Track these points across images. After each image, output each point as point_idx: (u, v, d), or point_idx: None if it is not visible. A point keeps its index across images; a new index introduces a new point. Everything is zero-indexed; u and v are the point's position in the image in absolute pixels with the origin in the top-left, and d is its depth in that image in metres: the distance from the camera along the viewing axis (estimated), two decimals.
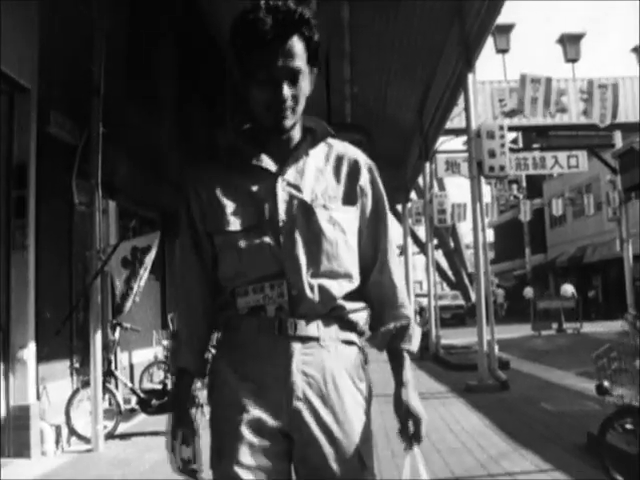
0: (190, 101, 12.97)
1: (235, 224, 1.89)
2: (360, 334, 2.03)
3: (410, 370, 2.02)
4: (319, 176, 1.95)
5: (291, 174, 1.93)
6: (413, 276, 25.70)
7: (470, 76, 11.38)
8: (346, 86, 14.87)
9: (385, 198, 2.03)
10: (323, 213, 1.89)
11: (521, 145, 34.30)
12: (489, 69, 32.69)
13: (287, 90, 1.85)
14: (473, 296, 43.51)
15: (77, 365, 8.06)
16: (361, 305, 2.02)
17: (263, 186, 1.91)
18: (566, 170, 24.81)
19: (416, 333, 2.04)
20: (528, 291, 32.05)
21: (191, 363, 1.99)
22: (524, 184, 43.04)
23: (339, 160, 2.00)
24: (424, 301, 22.62)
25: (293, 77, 1.86)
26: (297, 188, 1.91)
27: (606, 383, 5.03)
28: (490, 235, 57.47)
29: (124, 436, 7.74)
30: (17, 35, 6.74)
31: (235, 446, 1.83)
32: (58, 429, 7.29)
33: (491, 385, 10.77)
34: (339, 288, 1.91)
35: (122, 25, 9.27)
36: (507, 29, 25.07)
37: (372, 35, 12.49)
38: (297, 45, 1.85)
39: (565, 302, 25.19)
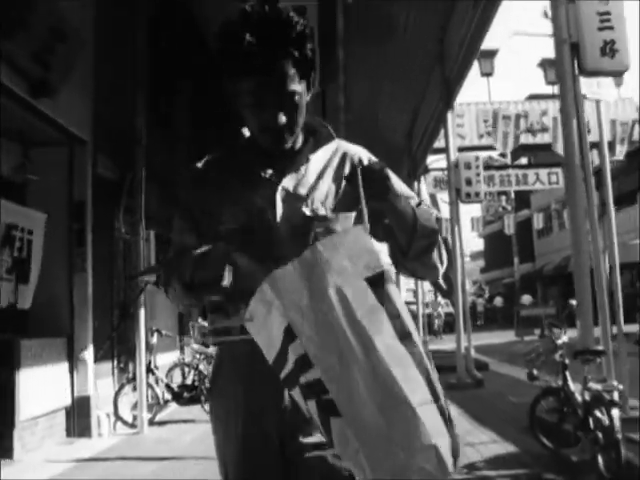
0: (204, 128, 14.52)
1: (231, 231, 1.81)
2: None
3: None
4: (320, 183, 1.85)
5: (291, 182, 1.84)
6: (405, 284, 27.45)
7: (449, 114, 13.12)
8: (340, 113, 16.52)
9: (396, 183, 1.81)
10: (321, 224, 1.80)
11: (509, 160, 36.02)
12: (475, 90, 34.39)
13: (282, 116, 1.76)
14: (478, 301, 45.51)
15: (122, 365, 9.75)
16: None
17: (262, 194, 1.82)
18: (547, 186, 26.45)
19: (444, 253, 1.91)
20: (526, 298, 33.67)
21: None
22: (512, 196, 44.80)
23: (342, 161, 1.92)
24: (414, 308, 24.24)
25: (288, 101, 1.76)
26: (297, 197, 1.82)
27: (535, 372, 6.76)
28: (480, 244, 59.33)
29: (161, 423, 9.44)
30: (77, 99, 8.40)
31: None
32: (108, 416, 8.97)
33: (468, 383, 12.48)
34: None
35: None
36: (491, 54, 26.78)
37: (365, 70, 14.02)
38: (289, 66, 1.72)
39: (547, 309, 26.89)
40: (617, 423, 5.19)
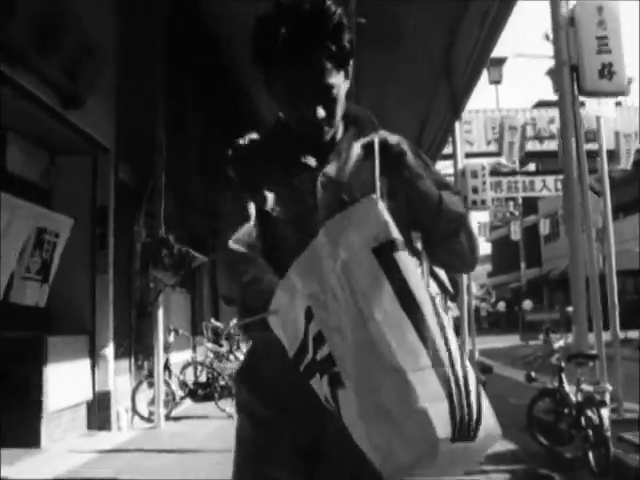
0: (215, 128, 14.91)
1: (273, 213, 1.82)
2: None
3: None
4: (360, 171, 1.73)
5: (332, 169, 1.82)
6: None
7: (457, 124, 13.52)
8: None
9: (417, 164, 1.75)
10: None
11: (517, 166, 36.38)
12: (483, 97, 34.76)
13: (320, 110, 1.75)
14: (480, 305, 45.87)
15: (139, 363, 10.17)
16: None
17: (304, 180, 1.82)
18: (553, 193, 26.78)
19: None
20: (527, 304, 34.04)
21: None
22: (520, 201, 45.15)
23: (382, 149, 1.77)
24: None
25: (325, 95, 1.74)
26: (338, 184, 1.78)
27: (533, 374, 7.16)
28: (487, 249, 59.64)
29: (177, 418, 9.87)
30: (101, 109, 8.81)
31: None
32: (126, 411, 9.39)
33: None
34: None
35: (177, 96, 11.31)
36: (499, 62, 27.11)
37: (374, 80, 14.49)
38: (325, 59, 1.70)
39: (552, 314, 27.27)
40: (606, 422, 5.59)
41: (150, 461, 7.14)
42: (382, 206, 1.54)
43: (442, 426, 1.35)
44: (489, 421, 1.43)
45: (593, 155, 21.95)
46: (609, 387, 6.29)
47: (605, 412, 5.65)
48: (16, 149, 8.18)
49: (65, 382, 8.09)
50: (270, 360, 1.77)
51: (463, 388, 1.39)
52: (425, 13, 11.13)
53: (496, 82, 28.15)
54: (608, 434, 5.54)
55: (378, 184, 1.62)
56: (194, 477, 6.20)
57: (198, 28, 10.68)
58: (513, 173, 29.31)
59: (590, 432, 5.68)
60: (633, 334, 23.84)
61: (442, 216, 1.74)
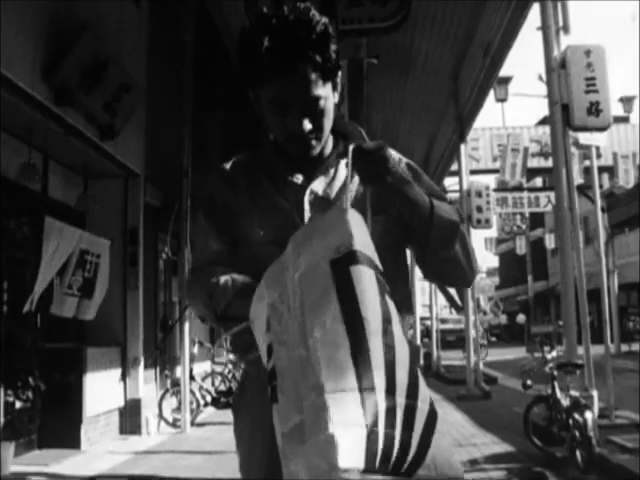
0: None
1: (259, 236, 1.76)
2: None
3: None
4: (350, 187, 1.67)
5: (320, 185, 1.78)
6: (421, 300, 28.49)
7: (462, 146, 14.27)
8: None
9: (401, 169, 1.73)
10: None
11: (524, 181, 37.01)
12: (490, 115, 35.37)
13: (307, 123, 1.68)
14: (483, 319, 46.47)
15: (166, 373, 10.92)
16: None
17: (290, 198, 1.77)
18: None
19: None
20: (521, 318, 34.61)
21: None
22: (527, 215, 45.78)
23: None
24: (429, 324, 25.28)
25: (312, 107, 1.68)
26: (325, 200, 1.75)
27: (529, 382, 7.87)
28: (495, 262, 60.24)
29: (200, 424, 10.60)
30: (132, 138, 9.59)
31: None
32: (155, 417, 10.13)
33: (476, 395, 13.57)
34: None
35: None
36: (505, 81, 27.83)
37: (387, 104, 15.21)
38: (310, 70, 1.63)
39: (557, 327, 27.83)
40: (590, 424, 6.30)
41: (182, 461, 7.87)
42: (352, 216, 1.46)
43: (351, 455, 1.21)
44: (439, 460, 1.31)
45: (598, 170, 22.46)
46: (594, 393, 7.00)
47: (589, 415, 6.36)
48: (56, 176, 8.98)
49: (100, 390, 8.83)
50: (260, 381, 1.62)
51: (399, 418, 1.27)
52: (433, 46, 11.94)
53: (502, 100, 28.87)
54: (591, 434, 6.25)
55: (348, 194, 1.58)
56: (224, 475, 6.90)
57: (221, 60, 11.48)
58: (519, 189, 30.01)
59: (577, 433, 6.39)
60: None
61: (434, 224, 1.66)
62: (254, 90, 1.71)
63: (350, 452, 1.22)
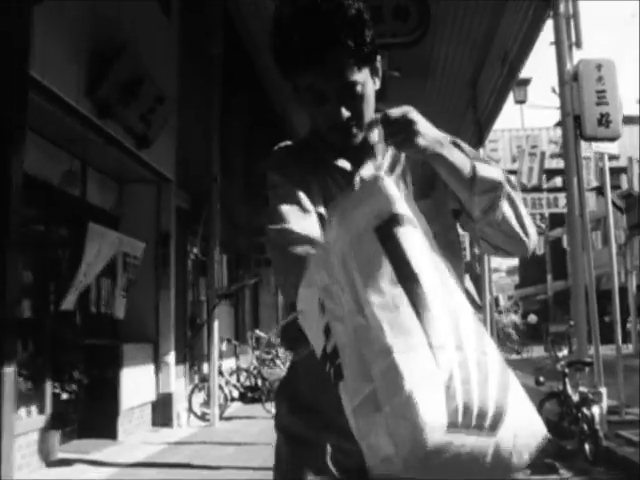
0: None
1: None
2: None
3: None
4: (397, 170, 1.72)
5: (368, 172, 1.69)
6: None
7: (481, 150, 14.66)
8: None
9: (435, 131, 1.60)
10: None
11: (544, 180, 37.21)
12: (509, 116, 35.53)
13: (345, 111, 1.63)
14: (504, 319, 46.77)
15: (196, 368, 11.44)
16: None
17: (340, 185, 1.72)
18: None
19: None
20: (532, 318, 34.84)
21: None
22: (547, 215, 45.92)
23: None
24: None
25: (349, 93, 1.62)
26: None
27: (541, 378, 8.30)
28: (515, 261, 60.38)
29: (228, 418, 11.10)
30: (164, 145, 10.09)
31: None
32: (185, 410, 10.65)
33: None
34: None
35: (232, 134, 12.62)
36: (525, 82, 28.09)
37: (404, 102, 15.67)
38: (343, 55, 1.57)
39: (569, 327, 28.15)
40: (597, 418, 6.73)
41: (214, 451, 8.36)
42: (388, 182, 1.45)
43: (433, 411, 1.17)
44: (521, 417, 1.27)
45: (616, 171, 22.85)
46: (603, 390, 7.42)
47: (597, 410, 6.78)
48: (94, 182, 9.50)
49: (135, 384, 9.34)
50: (309, 375, 1.67)
51: (474, 371, 1.23)
52: (452, 53, 12.36)
53: (521, 102, 29.14)
54: (598, 427, 6.67)
55: (386, 163, 1.64)
56: (255, 464, 7.39)
57: (247, 70, 11.99)
58: (538, 189, 30.26)
59: (585, 426, 6.82)
60: None
61: (477, 185, 1.59)
62: (291, 79, 1.67)
63: (431, 408, 1.17)
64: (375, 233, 1.38)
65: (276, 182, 1.77)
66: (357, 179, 1.71)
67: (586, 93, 7.90)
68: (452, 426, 1.17)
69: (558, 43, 7.97)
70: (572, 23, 8.01)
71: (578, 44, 8.02)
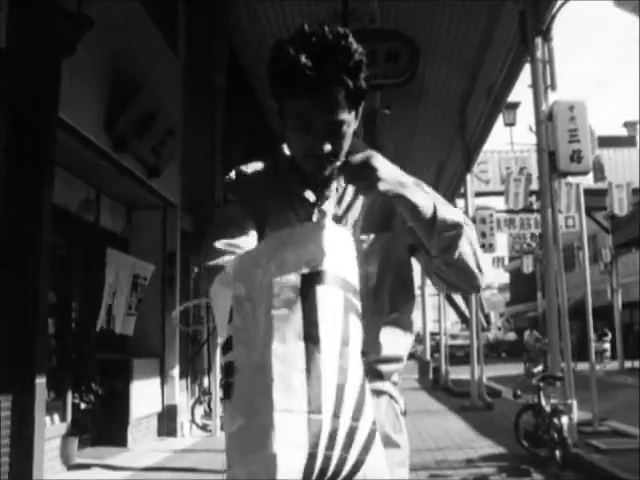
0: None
1: None
2: (393, 384, 1.86)
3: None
4: (356, 203, 1.81)
5: (330, 204, 1.78)
6: (432, 316, 29.65)
7: (468, 176, 15.48)
8: None
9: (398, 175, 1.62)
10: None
11: (534, 200, 38.04)
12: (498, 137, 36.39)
13: (327, 145, 1.68)
14: (489, 335, 47.64)
15: (198, 382, 12.14)
16: (396, 354, 1.84)
17: (302, 214, 1.79)
18: (564, 230, 28.41)
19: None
20: (510, 335, 35.37)
21: None
22: (537, 233, 46.73)
23: None
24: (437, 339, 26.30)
25: (335, 130, 1.68)
26: (335, 219, 1.72)
27: (518, 392, 9.05)
28: (506, 278, 61.24)
29: None
30: (170, 173, 10.82)
31: None
32: (189, 421, 11.34)
33: (479, 406, 14.70)
34: (371, 330, 1.68)
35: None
36: (514, 106, 28.97)
37: (400, 135, 16.33)
38: (341, 95, 1.64)
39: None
40: (565, 427, 7.47)
41: (217, 458, 9.00)
42: (331, 234, 1.49)
43: (289, 474, 1.30)
44: (371, 474, 1.37)
45: (600, 193, 23.58)
46: (573, 402, 8.16)
47: (565, 420, 7.52)
48: (106, 209, 10.23)
49: (143, 396, 10.03)
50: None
51: (340, 439, 1.34)
52: (441, 86, 13.17)
53: (510, 125, 30.02)
54: (567, 435, 7.41)
55: (330, 213, 1.67)
56: None
57: (249, 100, 12.77)
58: (527, 210, 31.05)
59: (555, 435, 7.54)
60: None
61: (438, 226, 1.64)
62: (281, 102, 1.72)
63: (289, 472, 1.29)
64: (300, 279, 1.43)
65: (228, 199, 1.88)
66: (317, 212, 1.79)
67: (559, 132, 8.69)
68: None
69: (535, 86, 8.76)
70: (548, 68, 8.81)
71: (553, 87, 8.82)
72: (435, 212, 1.63)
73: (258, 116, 13.32)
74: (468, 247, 1.69)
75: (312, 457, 1.31)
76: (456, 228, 1.65)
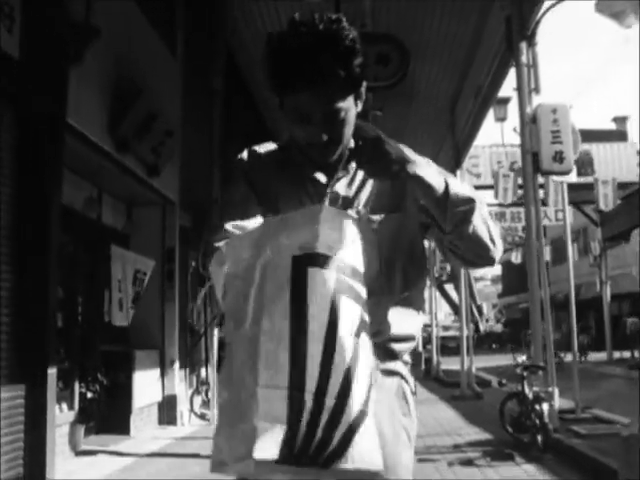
0: None
1: None
2: (405, 363, 1.89)
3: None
4: (367, 184, 1.83)
5: (341, 185, 1.83)
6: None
7: (458, 172, 15.87)
8: None
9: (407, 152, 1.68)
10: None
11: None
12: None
13: (325, 135, 1.71)
14: (481, 327, 48.12)
15: (196, 373, 12.56)
16: (408, 333, 1.87)
17: (314, 196, 1.83)
18: (554, 223, 28.86)
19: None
20: (497, 327, 35.88)
21: None
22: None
23: None
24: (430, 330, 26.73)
25: (333, 119, 1.70)
26: (346, 200, 1.81)
27: (503, 381, 9.49)
28: (498, 270, 61.76)
29: None
30: (169, 171, 11.20)
31: None
32: (188, 410, 11.76)
33: (469, 395, 15.18)
34: (382, 310, 1.77)
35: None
36: (504, 101, 29.37)
37: (391, 133, 16.76)
38: (334, 83, 1.65)
39: (555, 335, 29.35)
40: (546, 413, 7.90)
41: None
42: (328, 217, 1.52)
43: (268, 447, 1.34)
44: (360, 454, 1.38)
45: (589, 187, 23.92)
46: (554, 389, 8.61)
47: (546, 406, 7.97)
48: (108, 206, 10.62)
49: (144, 386, 10.43)
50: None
51: (324, 417, 1.36)
52: (432, 86, 13.56)
53: (501, 119, 30.40)
54: (547, 421, 7.85)
55: (329, 195, 1.76)
56: None
57: (247, 100, 13.14)
58: (517, 204, 31.47)
59: (537, 421, 7.98)
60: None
61: (450, 200, 1.67)
62: (279, 95, 1.74)
63: (267, 444, 1.34)
64: (291, 262, 1.46)
65: (238, 178, 1.92)
66: (328, 193, 1.83)
67: (542, 133, 9.09)
68: (282, 462, 1.36)
69: (519, 89, 9.15)
70: (532, 72, 9.20)
71: (537, 90, 9.23)
72: (447, 188, 1.67)
73: (255, 116, 13.70)
74: (480, 221, 1.72)
75: (293, 433, 1.36)
76: (469, 203, 1.69)
